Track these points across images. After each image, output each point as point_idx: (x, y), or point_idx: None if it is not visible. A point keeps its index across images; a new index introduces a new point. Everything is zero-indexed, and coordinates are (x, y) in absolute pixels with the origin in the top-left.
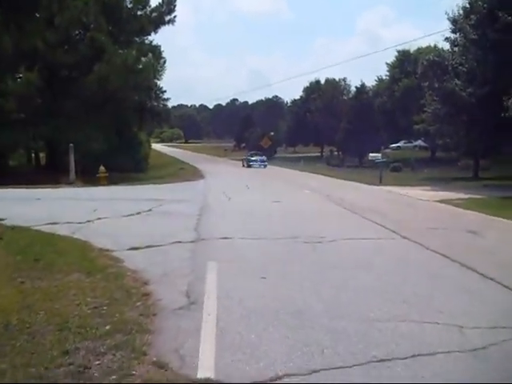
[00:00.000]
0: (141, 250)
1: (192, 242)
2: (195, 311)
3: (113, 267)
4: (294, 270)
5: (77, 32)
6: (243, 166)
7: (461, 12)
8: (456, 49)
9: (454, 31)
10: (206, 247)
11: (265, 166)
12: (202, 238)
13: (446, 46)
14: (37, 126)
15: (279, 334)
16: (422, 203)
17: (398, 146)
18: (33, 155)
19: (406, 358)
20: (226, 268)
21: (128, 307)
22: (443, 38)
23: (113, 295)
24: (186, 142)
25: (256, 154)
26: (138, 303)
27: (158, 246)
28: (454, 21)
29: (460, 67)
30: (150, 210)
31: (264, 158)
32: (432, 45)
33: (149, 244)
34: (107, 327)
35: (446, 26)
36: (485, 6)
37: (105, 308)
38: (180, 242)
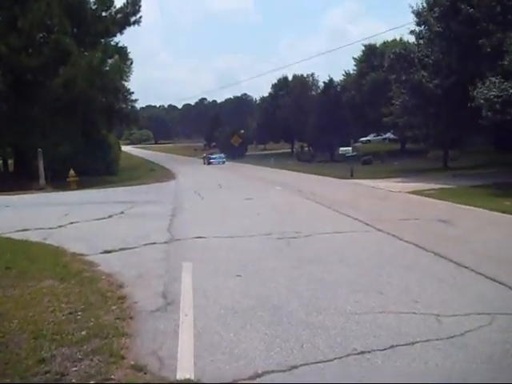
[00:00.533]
0: (114, 252)
1: (166, 242)
2: (172, 312)
3: (87, 271)
4: (269, 267)
5: (40, 35)
6: (204, 163)
7: (425, 5)
8: (421, 41)
9: (418, 24)
10: (180, 247)
11: (223, 162)
12: (176, 239)
13: (412, 38)
14: (2, 132)
15: (257, 332)
16: (393, 195)
17: (368, 140)
18: (0, 162)
19: (385, 349)
20: (201, 268)
21: (104, 311)
22: (408, 32)
23: (88, 300)
24: (155, 143)
25: (215, 153)
26: (114, 307)
27: (132, 248)
28: (418, 14)
29: (426, 59)
30: (121, 212)
31: (222, 155)
32: (398, 38)
33: (122, 247)
34: (83, 332)
35: (411, 19)
36: None
37: (80, 313)
38: (154, 243)
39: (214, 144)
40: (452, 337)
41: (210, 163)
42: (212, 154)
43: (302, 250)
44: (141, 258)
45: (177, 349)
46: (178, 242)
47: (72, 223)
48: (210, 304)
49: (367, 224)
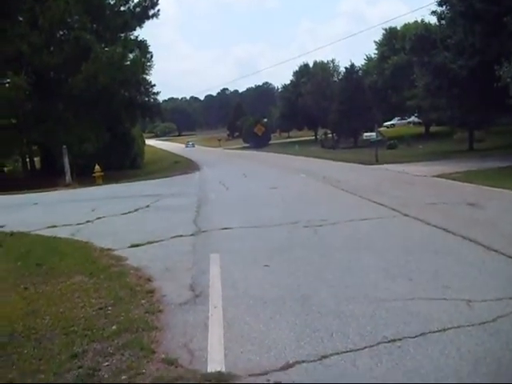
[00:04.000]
0: (142, 246)
1: (192, 235)
2: (201, 304)
3: (115, 266)
4: (297, 256)
5: (61, 32)
6: (186, 147)
7: None
8: (443, 22)
9: (440, 4)
10: (206, 239)
11: (193, 145)
12: (203, 231)
13: (433, 19)
14: (28, 131)
15: (287, 322)
16: (419, 179)
17: (392, 124)
18: (27, 160)
19: (416, 337)
20: (229, 259)
21: (133, 305)
22: (429, 12)
23: (117, 294)
24: (179, 135)
25: (191, 141)
26: (143, 301)
27: (159, 241)
28: None
29: (448, 40)
30: (147, 206)
31: (192, 142)
32: (419, 20)
33: (149, 240)
34: (114, 327)
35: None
36: None
37: (110, 308)
38: (180, 235)
39: (237, 134)
40: (484, 323)
41: (187, 146)
42: (189, 142)
43: (329, 238)
44: (168, 250)
45: (207, 341)
46: (205, 234)
47: (99, 218)
48: (238, 295)
49: (394, 209)
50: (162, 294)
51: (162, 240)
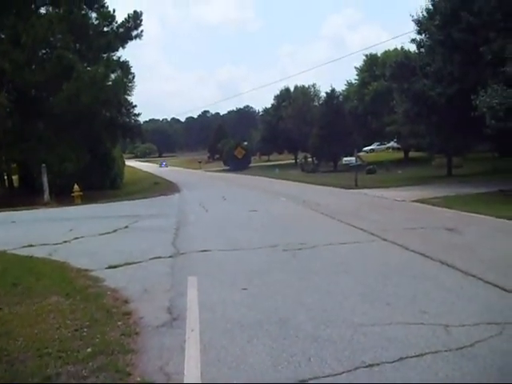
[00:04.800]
0: (120, 267)
1: (170, 256)
2: (178, 328)
3: (92, 287)
4: (276, 279)
5: (43, 51)
6: (160, 166)
7: (425, 14)
8: (422, 50)
9: (419, 32)
10: (185, 261)
11: (166, 165)
12: (181, 253)
13: (413, 47)
14: (8, 148)
15: (264, 346)
16: (398, 204)
17: (372, 149)
18: (5, 177)
19: (394, 362)
20: (207, 281)
21: (109, 327)
22: (409, 40)
23: (93, 316)
24: (159, 156)
25: (164, 161)
26: (119, 323)
27: (137, 262)
28: (418, 22)
29: (427, 68)
30: (126, 226)
31: (165, 162)
32: (399, 47)
33: (127, 261)
34: (89, 349)
35: (412, 27)
36: (448, 6)
37: (85, 330)
38: (159, 257)
39: (217, 156)
40: (462, 347)
41: (160, 166)
42: (163, 162)
43: (308, 262)
44: (146, 272)
45: (183, 364)
46: (183, 256)
47: (77, 238)
48: (216, 318)
49: (372, 234)
50: (139, 316)
51: (140, 261)
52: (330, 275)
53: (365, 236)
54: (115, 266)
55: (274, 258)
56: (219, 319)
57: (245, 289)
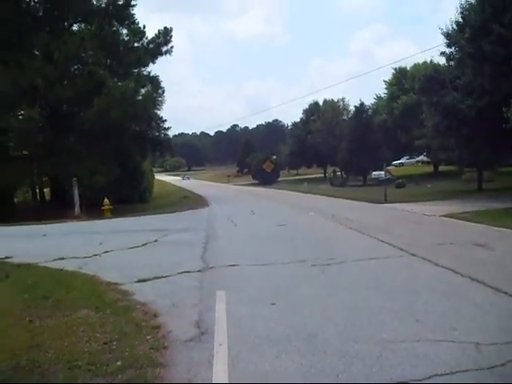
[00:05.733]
0: (149, 281)
1: (199, 271)
2: (206, 342)
3: (121, 301)
4: (304, 294)
5: (75, 67)
6: (182, 179)
7: (454, 26)
8: (452, 63)
9: (448, 45)
10: (213, 276)
11: (188, 178)
12: (210, 267)
13: (442, 60)
14: (40, 162)
15: (292, 361)
16: (428, 218)
17: (401, 163)
18: (37, 191)
19: (422, 380)
20: (235, 296)
21: (138, 341)
22: (439, 53)
23: (122, 330)
24: (189, 170)
25: (186, 175)
26: (148, 336)
27: (166, 276)
28: (448, 35)
29: (457, 80)
30: (155, 240)
31: (188, 175)
32: (428, 60)
33: (156, 275)
34: (118, 363)
35: (441, 40)
36: (478, 18)
37: (115, 343)
38: (188, 271)
39: (246, 170)
40: (493, 367)
41: (183, 179)
42: (185, 175)
43: (337, 277)
44: (175, 286)
45: (211, 379)
46: (212, 270)
47: (107, 252)
48: (244, 333)
49: (401, 249)
50: (168, 330)
51: (169, 275)
52: (359, 291)
53: (394, 251)
54: (144, 280)
55: (302, 273)
56: (247, 334)
57: (273, 304)
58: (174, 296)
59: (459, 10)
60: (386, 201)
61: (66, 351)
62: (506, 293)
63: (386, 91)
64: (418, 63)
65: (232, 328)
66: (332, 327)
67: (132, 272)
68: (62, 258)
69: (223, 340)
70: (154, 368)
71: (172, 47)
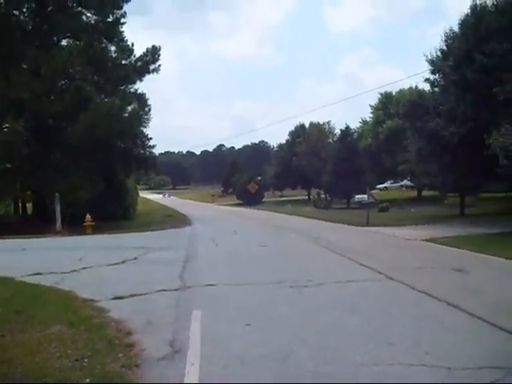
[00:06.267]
0: (125, 299)
1: (177, 289)
2: (179, 361)
3: (96, 318)
4: (280, 315)
5: (62, 82)
6: (163, 196)
7: (439, 54)
8: (436, 89)
9: (433, 72)
10: (190, 295)
11: (169, 195)
12: (187, 286)
13: (427, 86)
14: (24, 176)
15: (264, 382)
16: (408, 243)
17: (385, 187)
18: (20, 205)
19: None
20: (211, 316)
21: (110, 358)
22: (423, 80)
23: (95, 346)
24: (173, 189)
25: (167, 193)
26: (121, 354)
27: (143, 294)
28: (432, 62)
29: (441, 107)
30: (135, 258)
31: (169, 192)
32: (414, 86)
33: (133, 293)
34: (87, 380)
35: (426, 67)
36: (462, 47)
37: (86, 360)
38: (165, 290)
39: (231, 190)
40: None
41: (164, 196)
42: (166, 192)
43: (314, 299)
44: (151, 304)
45: None
46: (189, 290)
47: (85, 268)
48: (217, 353)
49: (380, 273)
50: (141, 348)
51: (146, 293)
52: (335, 312)
53: (372, 274)
54: (121, 297)
55: (279, 293)
56: (220, 354)
57: (248, 324)
58: (149, 314)
59: (444, 38)
60: (368, 224)
61: (37, 367)
62: (480, 318)
63: (371, 115)
64: (404, 89)
65: (205, 347)
66: (306, 348)
67: (109, 289)
68: (40, 273)
69: (195, 359)
70: None
71: (160, 65)
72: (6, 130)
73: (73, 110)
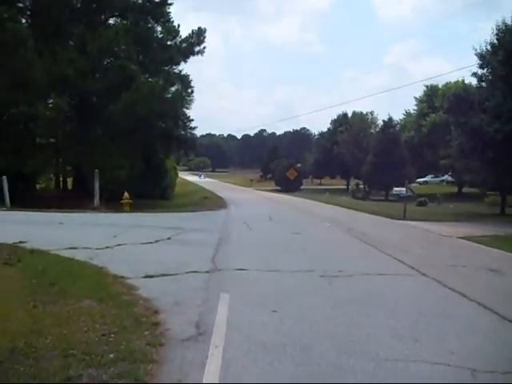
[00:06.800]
0: (155, 278)
1: (207, 272)
2: (202, 343)
3: (126, 295)
4: (307, 304)
5: (107, 60)
6: (199, 178)
7: (488, 48)
8: (483, 84)
9: (481, 66)
10: (220, 278)
11: (204, 176)
12: (218, 269)
13: (474, 81)
14: (65, 152)
15: (284, 369)
16: (444, 239)
17: (425, 181)
18: (60, 179)
19: None
20: (239, 300)
21: (136, 336)
22: (470, 74)
23: (122, 323)
24: (212, 171)
25: (202, 174)
26: (146, 332)
27: (173, 274)
28: (481, 56)
29: (486, 102)
30: (169, 238)
31: (204, 174)
32: (460, 80)
33: (164, 272)
34: (112, 355)
35: (474, 61)
36: None
37: (112, 336)
38: (195, 271)
39: (269, 176)
40: None
41: (200, 177)
42: (202, 173)
43: (343, 290)
44: (180, 285)
45: (201, 380)
46: (220, 273)
47: (119, 245)
48: (241, 338)
49: (412, 268)
50: (167, 328)
51: (176, 274)
52: (363, 306)
53: (404, 269)
54: (151, 276)
55: (309, 282)
56: (244, 339)
57: (275, 311)
58: (177, 294)
59: (495, 32)
60: (404, 217)
61: (64, 339)
62: (511, 321)
63: (415, 108)
64: (450, 82)
65: (230, 331)
66: (330, 340)
67: (140, 267)
68: (75, 248)
69: (219, 342)
70: (146, 364)
71: (205, 48)
72: (50, 105)
73: (116, 89)
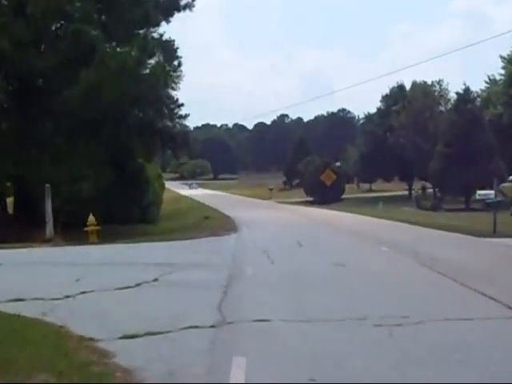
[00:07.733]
0: (138, 338)
1: (212, 326)
2: None
3: (96, 365)
4: (358, 368)
5: (56, 25)
6: (189, 188)
7: None
8: None
9: None
10: (232, 335)
11: (196, 187)
12: (228, 322)
13: None
14: (2, 159)
15: None
16: None
17: None
18: None
19: None
20: (259, 366)
21: None
22: None
23: None
24: (214, 179)
25: (193, 183)
26: None
27: (164, 332)
28: None
29: None
30: (155, 279)
31: (196, 184)
32: None
33: (150, 330)
34: None
35: None
36: None
37: None
38: (196, 326)
39: (296, 181)
40: None
41: (190, 188)
42: (192, 183)
43: (409, 345)
44: (175, 347)
45: None
46: (230, 327)
47: (84, 293)
48: None
49: (510, 307)
50: None
51: (168, 331)
52: (439, 366)
53: (498, 309)
54: (132, 336)
55: (359, 336)
56: None
57: (313, 380)
58: (171, 361)
59: None
60: (495, 233)
61: None
62: None
63: (502, 72)
64: None
65: None
66: None
67: (116, 324)
68: (21, 299)
69: None
70: None
71: (194, 0)
72: None
73: (71, 65)
